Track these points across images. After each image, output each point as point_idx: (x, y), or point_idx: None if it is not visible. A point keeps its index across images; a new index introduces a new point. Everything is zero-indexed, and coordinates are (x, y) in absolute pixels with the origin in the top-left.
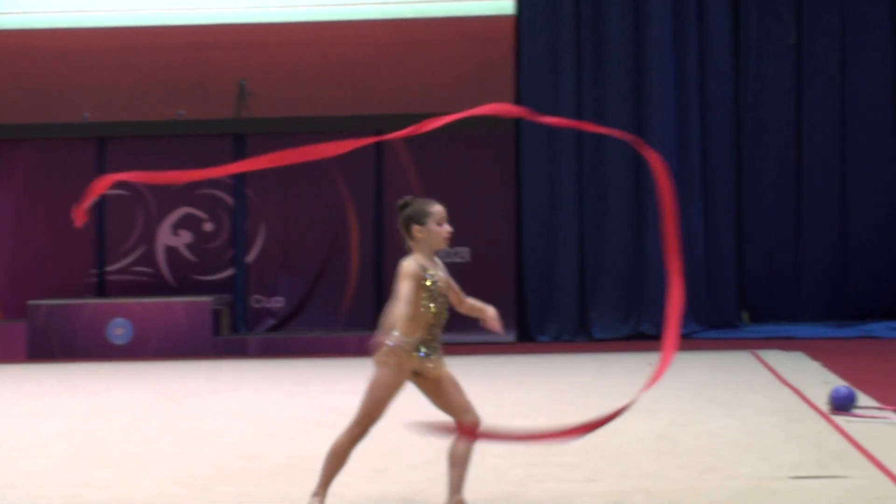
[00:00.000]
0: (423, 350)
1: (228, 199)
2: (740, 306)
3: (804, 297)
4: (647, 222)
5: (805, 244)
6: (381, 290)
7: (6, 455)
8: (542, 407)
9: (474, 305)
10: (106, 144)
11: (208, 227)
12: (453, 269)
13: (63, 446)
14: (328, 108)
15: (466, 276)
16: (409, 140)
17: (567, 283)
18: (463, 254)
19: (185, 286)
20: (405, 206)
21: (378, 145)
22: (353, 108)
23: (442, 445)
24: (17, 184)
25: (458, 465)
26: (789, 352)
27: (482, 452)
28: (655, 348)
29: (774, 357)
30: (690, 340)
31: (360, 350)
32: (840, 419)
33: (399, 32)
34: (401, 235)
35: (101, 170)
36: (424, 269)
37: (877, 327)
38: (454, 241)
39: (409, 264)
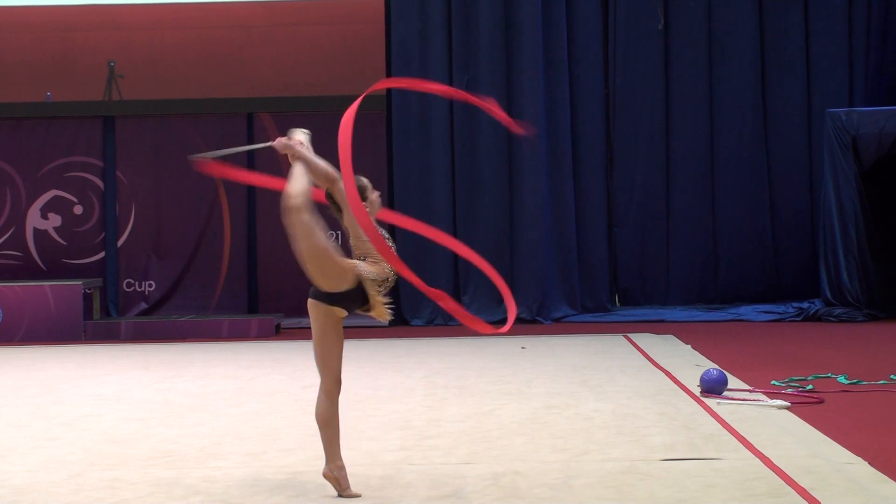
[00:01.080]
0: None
1: (98, 181)
2: (612, 290)
3: (675, 281)
4: (519, 202)
5: (675, 228)
6: (253, 273)
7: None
8: (416, 390)
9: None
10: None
11: (78, 210)
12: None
13: None
14: (199, 91)
15: None
16: (279, 120)
17: (441, 267)
18: (334, 237)
19: (55, 270)
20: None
21: (249, 126)
22: (224, 91)
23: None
24: None
25: (324, 427)
26: (661, 335)
27: (356, 436)
28: (528, 332)
29: (646, 340)
30: (563, 324)
31: (234, 333)
32: (711, 402)
33: (271, 14)
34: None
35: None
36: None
37: (746, 311)
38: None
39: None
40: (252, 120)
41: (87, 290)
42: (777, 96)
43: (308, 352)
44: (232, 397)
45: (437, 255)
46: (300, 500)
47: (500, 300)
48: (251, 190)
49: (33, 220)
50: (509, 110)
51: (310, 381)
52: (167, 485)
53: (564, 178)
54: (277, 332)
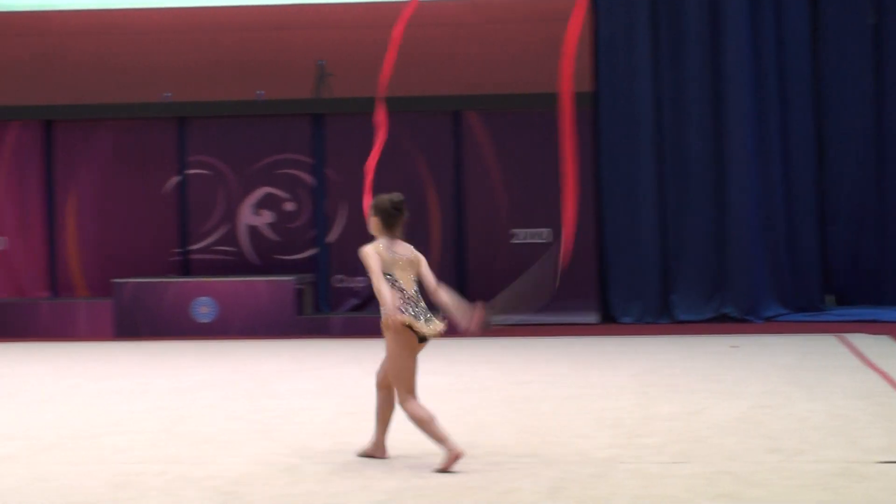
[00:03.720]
0: (411, 312)
1: (309, 178)
2: (825, 289)
3: (890, 280)
4: (729, 200)
5: (890, 225)
6: (461, 269)
7: (94, 432)
8: (626, 388)
9: (446, 303)
10: (186, 124)
11: (289, 206)
12: (534, 249)
13: (150, 423)
14: (406, 89)
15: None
16: (487, 119)
17: (649, 264)
18: (544, 234)
19: (267, 266)
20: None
21: (457, 126)
22: (431, 89)
23: (528, 424)
24: (99, 163)
25: (428, 424)
26: (875, 336)
27: (567, 433)
28: (738, 331)
29: (860, 340)
30: (774, 323)
31: (448, 329)
32: None
33: (478, 11)
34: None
35: (182, 149)
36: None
37: None
38: (534, 221)
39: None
40: (459, 118)
41: (299, 286)
42: None
43: (521, 349)
44: (442, 393)
45: (646, 249)
46: (512, 495)
47: (707, 299)
48: (458, 187)
49: (246, 216)
50: (716, 107)
51: (521, 377)
52: (378, 479)
53: (774, 173)
54: (487, 329)
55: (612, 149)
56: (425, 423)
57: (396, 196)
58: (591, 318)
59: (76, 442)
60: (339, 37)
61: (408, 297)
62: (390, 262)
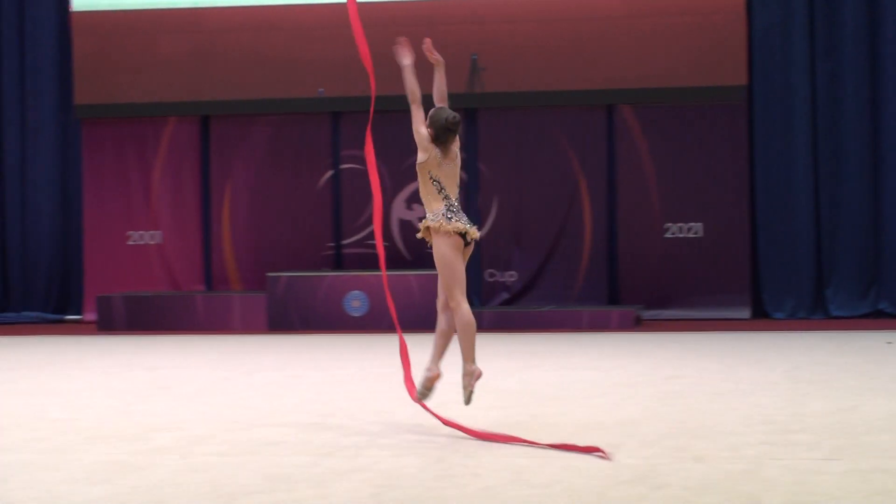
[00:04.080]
0: (456, 218)
1: (461, 173)
2: None
3: None
4: (885, 196)
5: None
6: (613, 264)
7: (247, 424)
8: (778, 384)
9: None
10: (340, 119)
11: None
12: (686, 244)
13: (302, 416)
14: (559, 83)
15: (699, 252)
16: (640, 113)
17: (803, 259)
18: (696, 229)
19: (419, 260)
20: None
21: (610, 120)
22: (584, 83)
23: (678, 419)
24: (254, 158)
25: (454, 336)
26: None
27: (718, 429)
28: (894, 327)
29: None
30: None
31: (594, 325)
32: None
33: (630, 5)
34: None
35: (336, 144)
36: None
37: None
38: (687, 216)
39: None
40: (612, 112)
41: None
42: None
43: (671, 344)
44: (592, 388)
45: (800, 243)
46: (663, 491)
47: (863, 294)
48: (611, 181)
49: (398, 210)
50: (874, 99)
51: (671, 372)
52: (529, 473)
53: None
54: (638, 324)
55: (766, 142)
56: (469, 333)
57: (451, 115)
58: (744, 313)
59: (229, 434)
60: (492, 31)
61: (451, 204)
62: (437, 166)
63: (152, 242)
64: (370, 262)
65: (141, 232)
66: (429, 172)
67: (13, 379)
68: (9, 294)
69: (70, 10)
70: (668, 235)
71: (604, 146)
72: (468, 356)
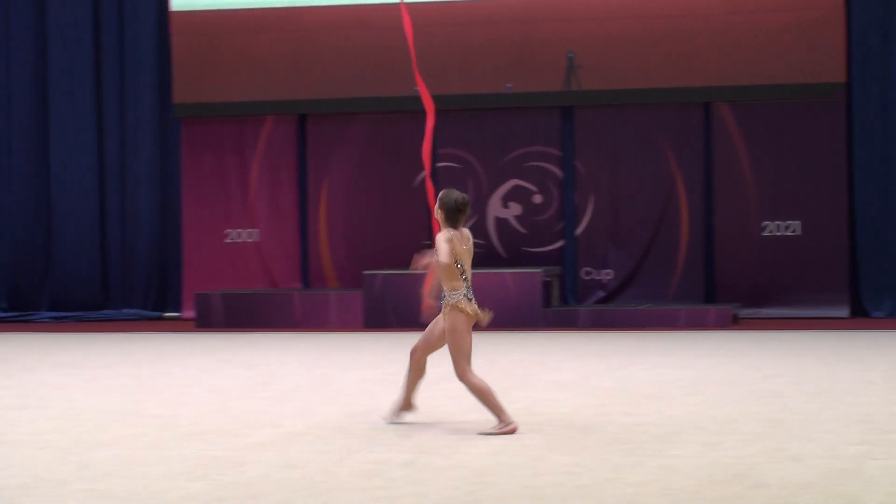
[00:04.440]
0: (470, 297)
1: (557, 171)
2: None
3: None
4: None
5: None
6: (711, 262)
7: (343, 421)
8: (876, 383)
9: None
10: (436, 117)
11: (537, 199)
12: (784, 242)
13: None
14: (656, 80)
15: (797, 250)
16: (737, 110)
17: None
18: (794, 227)
19: (514, 258)
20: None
21: (708, 117)
22: (681, 80)
23: (771, 418)
24: (351, 157)
25: (490, 396)
26: None
27: (815, 427)
28: None
29: None
30: None
31: (690, 323)
32: None
33: (726, 2)
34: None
35: (432, 142)
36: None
37: None
38: (785, 213)
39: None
40: (709, 109)
41: (547, 278)
42: None
43: (769, 343)
44: (689, 386)
45: None
46: (760, 490)
47: None
48: (708, 179)
49: (494, 208)
50: None
51: (769, 371)
52: (625, 471)
53: None
54: (735, 322)
55: (864, 140)
56: (486, 394)
57: (461, 197)
58: (842, 311)
59: (325, 431)
60: (588, 28)
61: (467, 283)
62: (460, 252)
63: (250, 240)
64: None
65: (238, 230)
66: (454, 259)
67: (113, 375)
68: (109, 291)
69: (169, 9)
70: (765, 233)
71: (701, 144)
72: (499, 414)
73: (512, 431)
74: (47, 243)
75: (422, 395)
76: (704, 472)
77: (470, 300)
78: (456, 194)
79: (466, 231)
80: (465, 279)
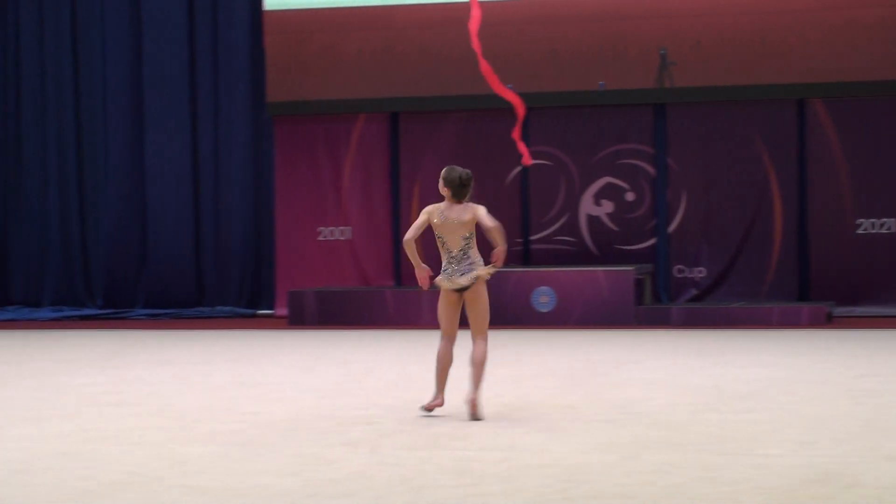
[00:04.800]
0: (449, 271)
1: (650, 168)
2: None
3: None
4: None
5: None
6: (805, 260)
7: (435, 418)
8: None
9: (493, 238)
10: (529, 115)
11: (630, 196)
12: (879, 240)
13: (491, 411)
14: (749, 77)
15: (892, 248)
16: (831, 106)
17: None
18: (889, 224)
19: (606, 256)
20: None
21: (801, 114)
22: (774, 77)
23: (870, 418)
24: (444, 154)
25: (477, 366)
26: None
27: None
28: None
29: None
30: None
31: (784, 321)
32: None
33: None
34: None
35: (524, 140)
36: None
37: None
38: (880, 211)
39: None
40: (803, 106)
41: (639, 276)
42: None
43: (865, 342)
44: (782, 385)
45: None
46: (854, 490)
47: None
48: (802, 176)
49: (586, 206)
50: None
51: (863, 370)
52: (717, 470)
53: None
54: (829, 321)
55: None
56: (440, 364)
57: (464, 173)
58: None
59: (415, 428)
60: (680, 25)
61: (451, 256)
62: (440, 225)
63: (342, 238)
64: (558, 258)
65: (331, 228)
66: (435, 232)
67: (207, 372)
68: (203, 289)
69: (263, 8)
70: (860, 231)
71: (794, 140)
72: (437, 388)
73: (439, 405)
74: (142, 241)
75: (513, 392)
76: (797, 471)
77: (450, 277)
78: (459, 171)
79: (463, 208)
80: (447, 251)
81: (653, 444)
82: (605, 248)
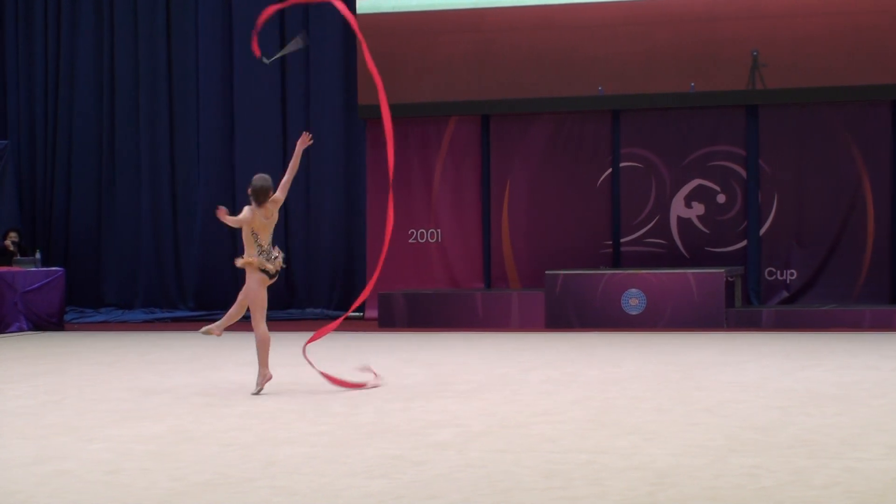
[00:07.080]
0: (263, 257)
1: (741, 170)
2: None
3: None
4: None
5: None
6: (893, 264)
7: (523, 421)
8: None
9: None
10: (619, 117)
11: (721, 198)
12: None
13: (579, 413)
14: (841, 78)
15: None
16: None
17: None
18: None
19: (697, 258)
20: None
21: (894, 114)
22: (867, 77)
23: None
24: (534, 156)
25: (261, 347)
26: None
27: None
28: None
29: None
30: None
31: (876, 324)
32: None
33: None
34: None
35: (615, 142)
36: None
37: None
38: None
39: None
40: None
41: (730, 278)
42: None
43: None
44: (874, 388)
45: None
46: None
47: None
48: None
49: (677, 208)
50: None
51: None
52: (807, 474)
53: None
54: None
55: None
56: (262, 345)
57: (262, 182)
58: None
59: (505, 430)
60: (773, 26)
61: (262, 249)
62: (257, 225)
63: (432, 241)
64: (649, 260)
65: (421, 230)
66: (251, 229)
67: (296, 374)
68: (294, 291)
69: (355, 11)
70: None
71: (888, 141)
72: (262, 366)
73: (268, 379)
74: (233, 243)
75: (602, 395)
76: (889, 475)
77: (268, 260)
78: (262, 179)
79: (267, 208)
80: (258, 244)
81: (742, 447)
82: (695, 251)
